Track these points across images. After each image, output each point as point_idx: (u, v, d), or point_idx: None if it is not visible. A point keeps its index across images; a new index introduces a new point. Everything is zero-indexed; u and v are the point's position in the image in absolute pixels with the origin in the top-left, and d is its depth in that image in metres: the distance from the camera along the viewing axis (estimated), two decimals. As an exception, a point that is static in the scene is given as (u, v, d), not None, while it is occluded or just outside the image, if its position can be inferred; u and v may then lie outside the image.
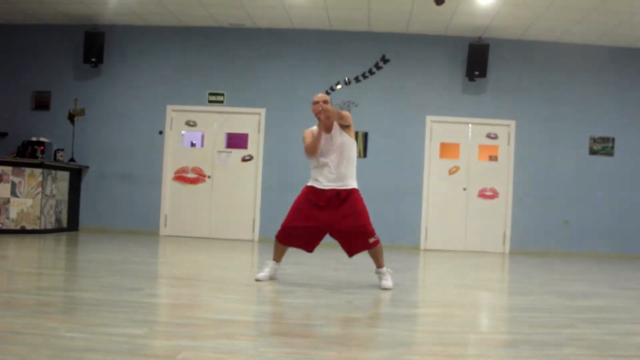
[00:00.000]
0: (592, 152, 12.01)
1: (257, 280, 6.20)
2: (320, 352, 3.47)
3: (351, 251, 6.33)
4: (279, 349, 3.49)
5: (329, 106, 6.11)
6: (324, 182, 6.20)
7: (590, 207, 11.96)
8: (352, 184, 6.24)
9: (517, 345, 3.83)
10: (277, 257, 6.37)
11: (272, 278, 6.36)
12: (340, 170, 6.18)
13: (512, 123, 12.01)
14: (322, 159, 6.21)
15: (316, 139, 6.17)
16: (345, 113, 6.18)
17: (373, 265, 6.70)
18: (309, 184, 6.32)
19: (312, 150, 6.18)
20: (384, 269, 6.30)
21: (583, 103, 12.01)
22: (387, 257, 9.69)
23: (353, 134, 6.30)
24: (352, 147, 6.25)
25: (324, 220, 6.14)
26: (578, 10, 10.36)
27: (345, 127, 6.21)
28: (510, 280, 8.00)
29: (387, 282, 6.20)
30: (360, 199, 6.25)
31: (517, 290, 6.82)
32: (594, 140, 12.01)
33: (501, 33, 11.71)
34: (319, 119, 6.20)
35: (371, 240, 6.16)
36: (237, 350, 3.44)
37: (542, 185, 11.96)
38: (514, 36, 11.85)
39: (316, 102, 6.22)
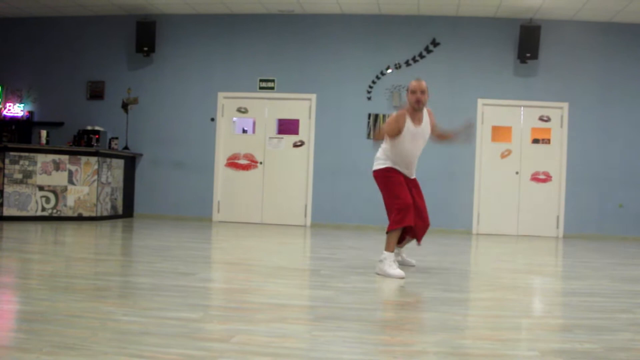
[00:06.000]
0: (649, 134, 11.73)
1: (401, 278, 5.69)
2: (372, 336, 3.48)
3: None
4: (332, 333, 3.52)
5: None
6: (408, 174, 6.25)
7: (646, 190, 11.69)
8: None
9: (572, 330, 3.78)
10: (392, 248, 5.94)
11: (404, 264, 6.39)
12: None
13: (565, 105, 11.79)
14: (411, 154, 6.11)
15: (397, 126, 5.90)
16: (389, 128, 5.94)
17: (424, 250, 6.67)
18: (392, 167, 6.12)
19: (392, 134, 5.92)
20: (384, 254, 5.93)
21: (638, 85, 11.71)
22: (439, 241, 9.67)
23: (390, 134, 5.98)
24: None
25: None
26: (634, -12, 10.11)
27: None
28: (564, 264, 7.89)
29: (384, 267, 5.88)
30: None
31: (572, 274, 6.72)
32: (650, 121, 11.73)
33: (553, 14, 11.47)
34: (413, 108, 5.93)
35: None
36: (290, 334, 3.48)
37: (596, 169, 11.71)
38: (566, 17, 11.60)
39: (413, 92, 5.88)
